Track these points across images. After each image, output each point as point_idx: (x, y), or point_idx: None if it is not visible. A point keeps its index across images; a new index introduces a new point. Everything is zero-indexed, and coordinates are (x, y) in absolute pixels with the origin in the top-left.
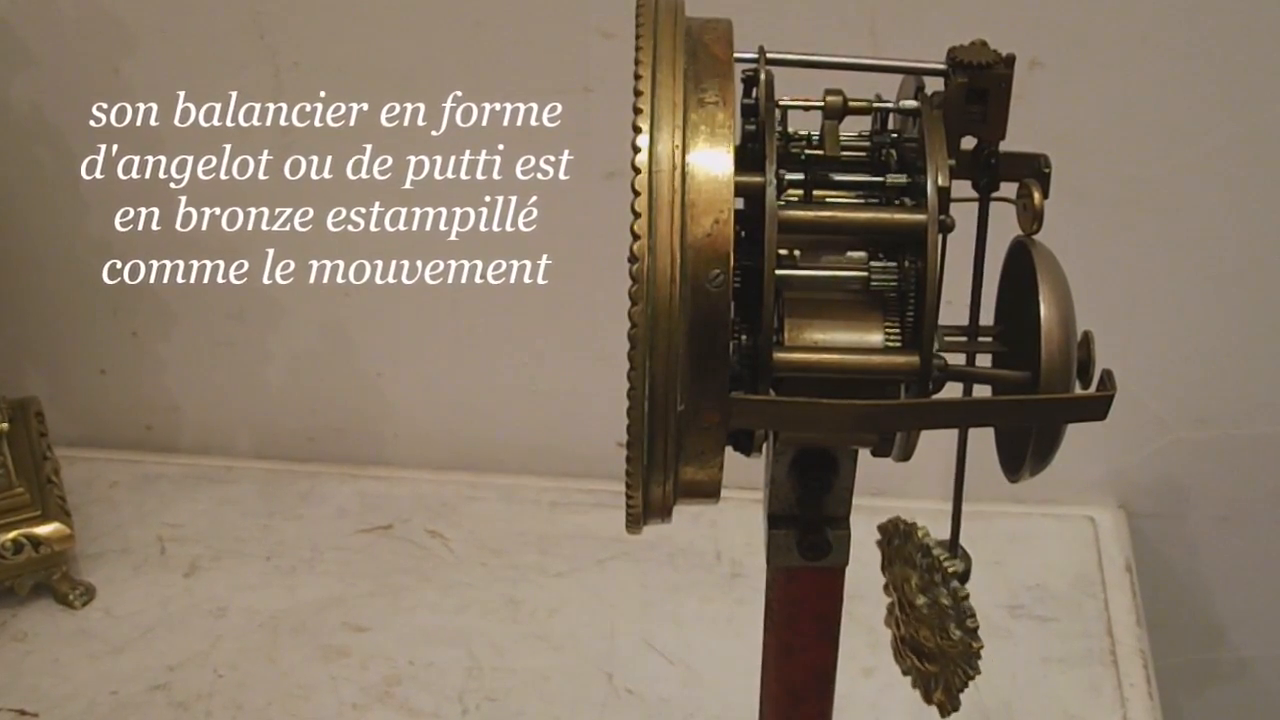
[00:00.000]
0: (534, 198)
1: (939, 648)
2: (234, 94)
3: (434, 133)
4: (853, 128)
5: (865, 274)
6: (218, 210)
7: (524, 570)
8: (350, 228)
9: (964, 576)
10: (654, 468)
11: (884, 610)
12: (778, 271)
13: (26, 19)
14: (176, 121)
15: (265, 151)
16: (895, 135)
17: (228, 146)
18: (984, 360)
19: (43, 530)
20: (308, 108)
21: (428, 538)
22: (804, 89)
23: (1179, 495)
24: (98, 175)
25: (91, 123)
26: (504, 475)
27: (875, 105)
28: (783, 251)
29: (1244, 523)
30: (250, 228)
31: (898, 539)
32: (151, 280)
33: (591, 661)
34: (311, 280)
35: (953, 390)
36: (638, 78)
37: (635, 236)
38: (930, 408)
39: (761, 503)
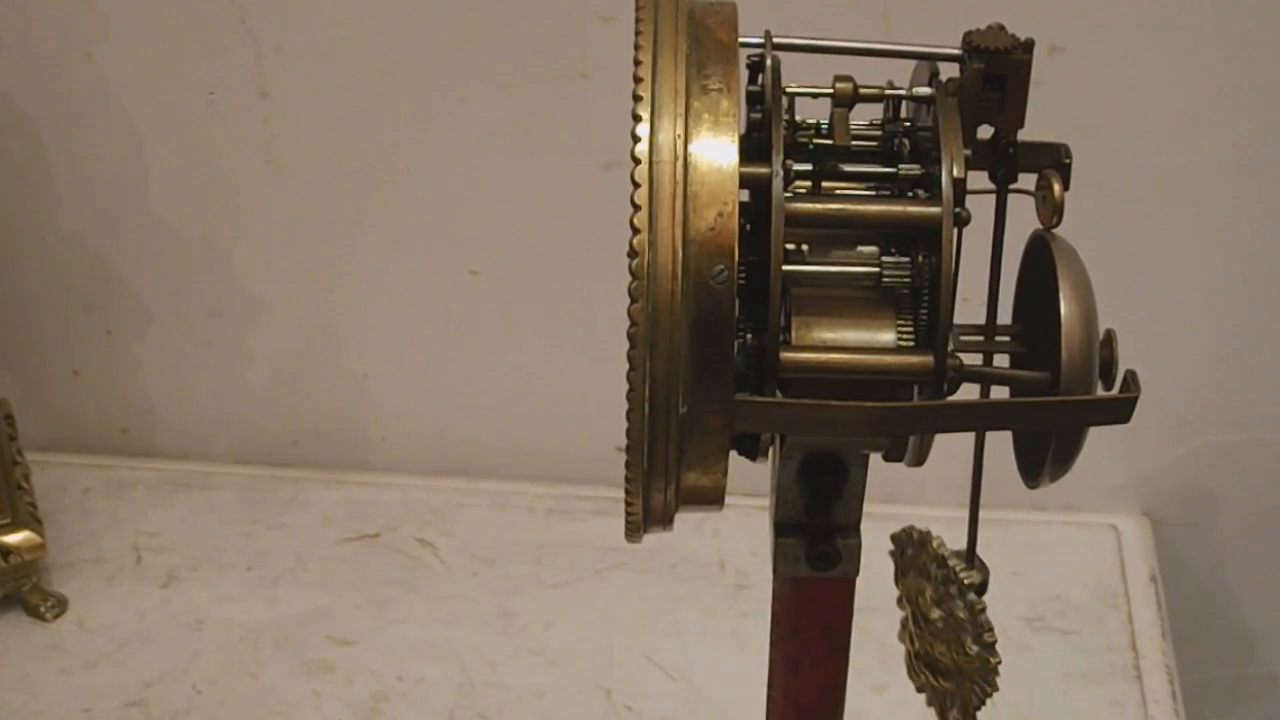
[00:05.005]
0: (529, 189)
1: (955, 664)
2: (213, 81)
3: (423, 120)
4: (864, 116)
5: (877, 270)
6: (196, 202)
7: (518, 581)
8: (335, 220)
9: (981, 588)
10: (654, 473)
11: (897, 623)
12: (785, 267)
13: None
14: (153, 110)
15: (246, 140)
16: (908, 124)
17: (207, 135)
18: (1001, 360)
19: (12, 539)
20: (291, 95)
21: (417, 547)
22: (812, 75)
23: (1206, 502)
24: (70, 166)
25: (63, 111)
26: (497, 481)
27: (887, 92)
28: (790, 246)
29: (1274, 531)
30: (231, 221)
31: (911, 549)
32: (126, 276)
33: (589, 677)
34: (295, 276)
35: (969, 391)
36: (637, 63)
37: (635, 230)
38: (945, 410)
39: (768, 510)
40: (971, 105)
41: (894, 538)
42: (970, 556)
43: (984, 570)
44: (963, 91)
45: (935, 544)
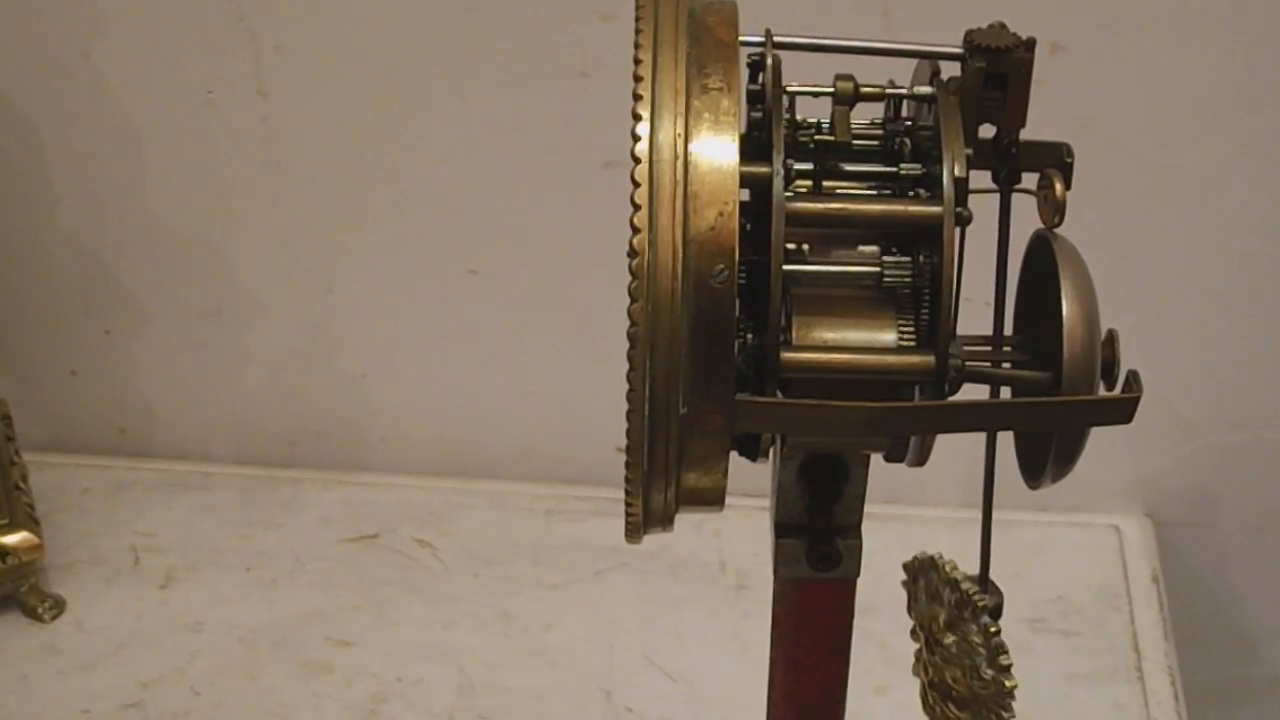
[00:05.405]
0: (528, 188)
1: (970, 690)
2: (212, 80)
3: (422, 119)
4: (865, 115)
5: (878, 269)
6: (194, 202)
7: (518, 582)
8: (334, 219)
9: (995, 612)
10: (655, 474)
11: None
12: (785, 267)
13: None
14: (151, 109)
15: (244, 139)
16: (909, 123)
17: (205, 134)
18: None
19: (10, 540)
20: (290, 94)
21: (416, 548)
22: (813, 74)
23: (1209, 503)
24: (67, 166)
25: (60, 110)
26: (496, 482)
27: (888, 91)
28: (790, 245)
29: (1277, 532)
30: (229, 220)
31: (923, 575)
32: (124, 276)
33: (589, 679)
34: (293, 276)
35: (970, 392)
36: (637, 62)
37: (635, 230)
38: (946, 410)
39: (768, 511)
40: (973, 104)
41: (906, 567)
42: (983, 580)
43: (998, 594)
44: (964, 90)
45: (948, 567)
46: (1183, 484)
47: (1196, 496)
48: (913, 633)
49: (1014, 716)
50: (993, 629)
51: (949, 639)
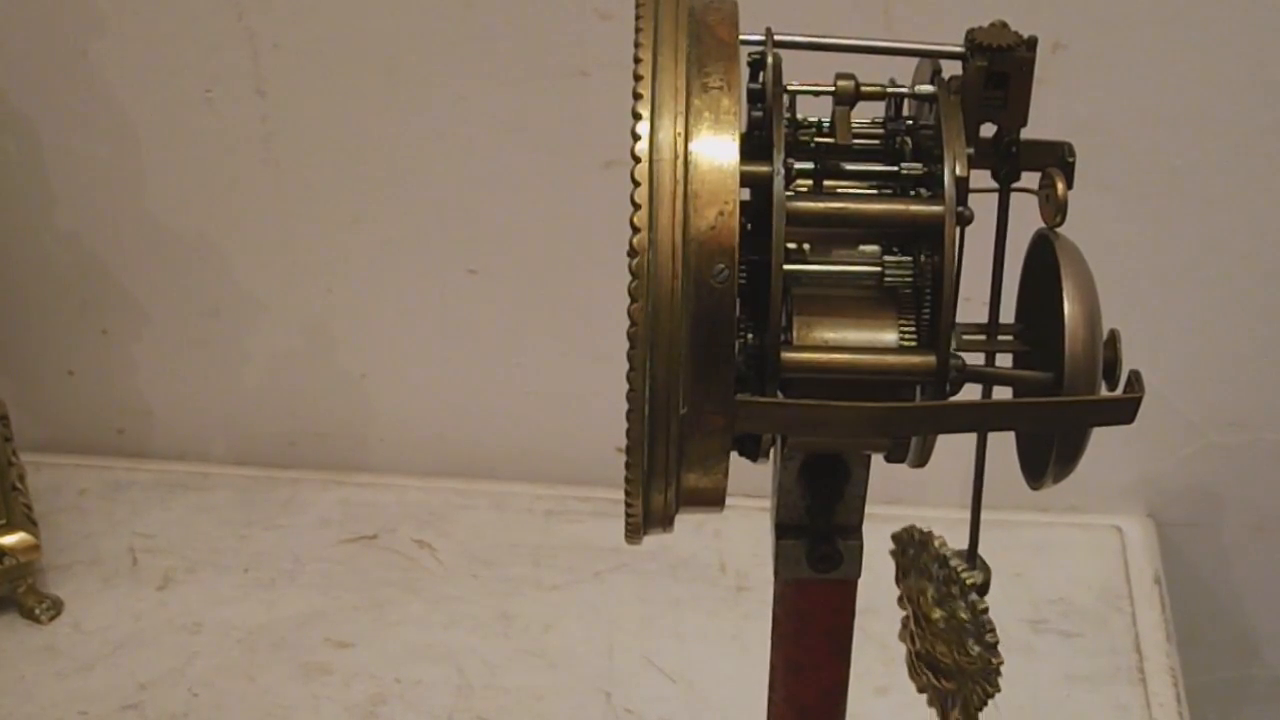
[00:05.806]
0: (528, 188)
1: (956, 664)
2: (210, 78)
3: (422, 118)
4: (865, 114)
5: (879, 269)
6: (193, 201)
7: (517, 583)
8: (333, 219)
9: (983, 589)
10: (655, 474)
11: (899, 625)
12: (786, 266)
13: None
14: (149, 108)
15: (243, 139)
16: (910, 122)
17: (204, 133)
18: (1004, 360)
19: (7, 540)
20: (288, 93)
21: (415, 548)
22: (814, 73)
23: (1211, 503)
24: (66, 166)
25: (58, 109)
26: (496, 482)
27: (889, 90)
28: (791, 245)
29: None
30: (228, 220)
31: (913, 549)
32: (122, 275)
33: (589, 680)
34: (292, 276)
35: (971, 392)
36: (637, 61)
37: (635, 229)
38: (947, 411)
39: (769, 511)
40: (974, 103)
41: (895, 537)
42: (972, 556)
43: (985, 570)
44: (965, 89)
45: (937, 544)
46: (1185, 484)
47: (1198, 497)
48: (900, 601)
49: (999, 691)
50: (980, 606)
51: (937, 614)
